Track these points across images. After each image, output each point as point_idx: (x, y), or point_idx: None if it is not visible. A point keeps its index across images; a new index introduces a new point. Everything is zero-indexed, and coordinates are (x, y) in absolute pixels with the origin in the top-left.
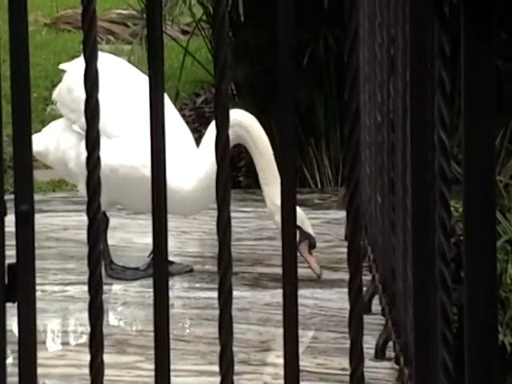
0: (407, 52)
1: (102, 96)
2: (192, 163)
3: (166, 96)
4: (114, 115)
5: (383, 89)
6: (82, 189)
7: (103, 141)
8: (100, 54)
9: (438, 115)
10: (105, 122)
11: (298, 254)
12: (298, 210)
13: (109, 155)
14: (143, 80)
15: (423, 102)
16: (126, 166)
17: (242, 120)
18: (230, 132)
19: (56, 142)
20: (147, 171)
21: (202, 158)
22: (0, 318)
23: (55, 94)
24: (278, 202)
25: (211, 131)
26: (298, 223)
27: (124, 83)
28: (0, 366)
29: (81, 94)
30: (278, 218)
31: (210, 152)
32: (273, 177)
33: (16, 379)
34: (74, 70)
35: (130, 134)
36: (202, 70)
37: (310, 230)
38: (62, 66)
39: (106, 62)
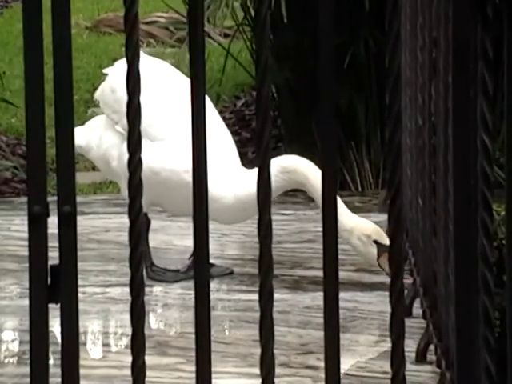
0: (449, 54)
1: (146, 99)
2: (236, 177)
3: (208, 99)
4: (157, 118)
5: (425, 91)
6: (123, 188)
7: (146, 143)
8: (144, 57)
9: (481, 118)
10: (148, 124)
11: (379, 267)
12: (374, 225)
13: (151, 158)
14: (187, 83)
15: (465, 104)
16: (167, 170)
17: (297, 166)
18: (285, 178)
19: (98, 140)
20: (188, 176)
21: (249, 180)
22: (43, 319)
23: (98, 93)
24: (348, 226)
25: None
26: (375, 237)
27: (168, 86)
28: (43, 366)
29: (123, 95)
30: (353, 241)
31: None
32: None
33: (59, 380)
34: (117, 70)
35: (172, 138)
36: (243, 72)
37: (387, 242)
38: (105, 71)
39: (150, 64)
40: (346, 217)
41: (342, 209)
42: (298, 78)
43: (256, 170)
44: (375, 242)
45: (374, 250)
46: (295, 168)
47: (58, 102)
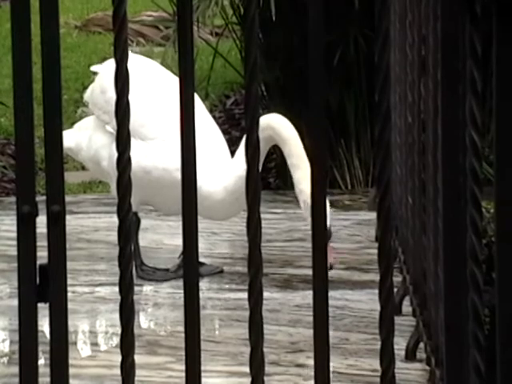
0: (438, 52)
1: (136, 98)
2: (224, 171)
3: (198, 98)
4: (147, 118)
5: (414, 89)
6: (113, 188)
7: (137, 143)
8: (134, 56)
9: (470, 115)
10: (139, 124)
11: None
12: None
13: (142, 157)
14: (176, 82)
15: (455, 102)
16: (159, 169)
17: (271, 121)
18: (262, 135)
19: (88, 140)
20: (179, 175)
21: (235, 170)
22: (32, 319)
23: (87, 95)
24: (302, 185)
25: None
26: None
27: (158, 85)
28: (32, 366)
29: (114, 95)
30: (300, 201)
31: (242, 164)
32: (300, 161)
33: (48, 380)
34: (106, 71)
35: (163, 137)
36: (232, 71)
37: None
38: (93, 68)
39: (140, 64)
40: (306, 177)
41: (307, 168)
42: (287, 77)
43: (240, 157)
44: None
45: None
46: (268, 123)
47: (46, 101)
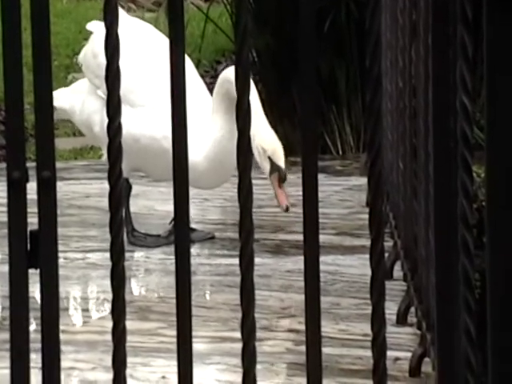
0: (429, 17)
1: (126, 64)
2: (203, 138)
3: (190, 62)
4: (137, 84)
5: (405, 54)
6: (106, 153)
7: (127, 109)
8: (128, 18)
9: (461, 80)
10: (128, 90)
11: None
12: (271, 139)
13: (131, 124)
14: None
15: (445, 67)
16: (146, 137)
17: (229, 74)
18: (221, 90)
19: (81, 104)
20: (167, 143)
21: (212, 135)
22: (22, 285)
23: (80, 56)
24: (253, 131)
25: (218, 99)
26: (270, 154)
27: (149, 50)
28: (23, 332)
29: (105, 60)
30: (253, 148)
31: (218, 126)
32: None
33: (39, 345)
34: (99, 35)
35: (152, 104)
36: (224, 37)
37: (280, 163)
38: (88, 26)
39: (133, 27)
40: (259, 123)
41: (260, 114)
42: (278, 43)
43: (215, 119)
44: (270, 158)
45: (267, 165)
46: (226, 77)
47: (36, 67)
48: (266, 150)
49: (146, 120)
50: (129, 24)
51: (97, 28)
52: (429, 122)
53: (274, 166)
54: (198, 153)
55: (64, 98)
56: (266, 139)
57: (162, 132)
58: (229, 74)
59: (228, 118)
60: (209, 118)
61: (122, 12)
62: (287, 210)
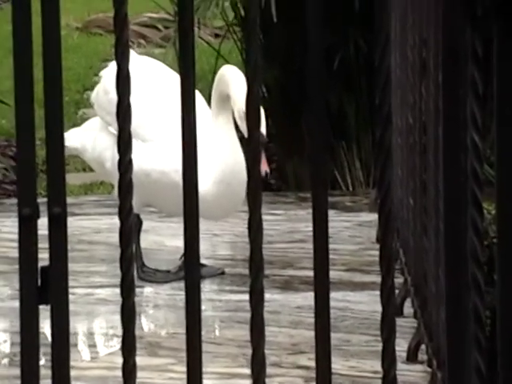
0: (439, 54)
1: (138, 99)
2: (212, 169)
3: (199, 95)
4: (147, 119)
5: (415, 91)
6: (116, 190)
7: (138, 144)
8: (137, 57)
9: (471, 117)
10: (139, 125)
11: None
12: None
13: (142, 159)
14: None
15: (456, 103)
16: (157, 171)
17: (224, 73)
18: (216, 87)
19: (93, 142)
20: (177, 176)
21: (219, 165)
22: (33, 321)
23: (93, 95)
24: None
25: (215, 97)
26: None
27: (159, 86)
28: (34, 368)
29: (116, 96)
30: (235, 109)
31: (224, 156)
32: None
33: (49, 382)
34: (110, 72)
35: (162, 138)
36: None
37: (261, 128)
38: (100, 74)
39: (142, 64)
40: (240, 88)
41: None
42: (287, 77)
43: (221, 150)
44: None
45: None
46: (223, 74)
47: (47, 103)
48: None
49: (157, 154)
50: (138, 61)
51: (106, 70)
52: (439, 158)
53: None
54: (206, 181)
55: (75, 137)
56: (241, 103)
57: (172, 166)
58: (224, 70)
59: (229, 129)
60: (211, 138)
61: (130, 51)
62: (266, 175)
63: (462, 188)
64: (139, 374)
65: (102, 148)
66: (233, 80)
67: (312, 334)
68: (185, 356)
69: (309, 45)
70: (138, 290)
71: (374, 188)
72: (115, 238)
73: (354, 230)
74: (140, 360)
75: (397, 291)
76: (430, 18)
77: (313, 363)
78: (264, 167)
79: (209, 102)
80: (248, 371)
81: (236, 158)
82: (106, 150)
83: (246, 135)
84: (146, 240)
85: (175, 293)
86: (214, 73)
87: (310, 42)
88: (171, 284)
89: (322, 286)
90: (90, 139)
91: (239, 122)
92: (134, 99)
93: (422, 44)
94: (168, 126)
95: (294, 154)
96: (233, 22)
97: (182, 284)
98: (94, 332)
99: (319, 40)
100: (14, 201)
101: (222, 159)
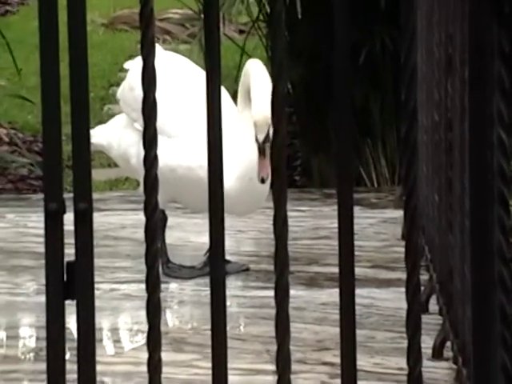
0: (465, 50)
1: (163, 95)
2: (235, 164)
3: (225, 91)
4: (174, 114)
5: (441, 87)
6: (142, 186)
7: (164, 140)
8: (163, 52)
9: (497, 114)
10: (165, 121)
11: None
12: (264, 111)
13: (168, 155)
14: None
15: (482, 100)
16: (183, 167)
17: (248, 67)
18: (242, 80)
19: (119, 138)
20: (203, 172)
21: (241, 161)
22: (59, 316)
23: (118, 92)
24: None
25: (245, 123)
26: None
27: (186, 82)
28: (60, 363)
29: (142, 93)
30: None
31: (246, 151)
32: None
33: (75, 376)
34: (135, 69)
35: (189, 134)
36: None
37: (264, 134)
38: (126, 65)
39: (169, 59)
40: (259, 98)
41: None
42: (313, 75)
43: (243, 145)
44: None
45: (262, 135)
46: (247, 68)
47: (73, 99)
48: (260, 123)
49: (182, 150)
50: (164, 57)
51: (132, 66)
52: (465, 155)
53: (267, 137)
54: (229, 177)
55: (101, 135)
56: (259, 112)
57: (198, 161)
58: (249, 63)
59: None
60: (235, 134)
61: (156, 46)
62: (262, 181)
63: (488, 185)
64: (164, 369)
65: (128, 145)
66: (254, 73)
67: (337, 330)
68: (210, 352)
69: (335, 43)
70: (163, 285)
71: (399, 185)
72: (140, 233)
73: (379, 226)
74: (165, 356)
75: (422, 288)
76: (457, 14)
77: (338, 360)
78: (264, 172)
79: (234, 98)
80: (273, 367)
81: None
82: (132, 146)
83: (259, 140)
84: (171, 236)
85: (200, 289)
86: (239, 70)
87: (336, 40)
88: (196, 280)
89: (347, 283)
90: (115, 136)
91: (253, 128)
92: (160, 95)
93: (448, 40)
94: (193, 122)
95: (319, 150)
96: (258, 18)
97: (206, 280)
98: (119, 327)
99: (346, 38)
100: (40, 196)
101: (246, 155)
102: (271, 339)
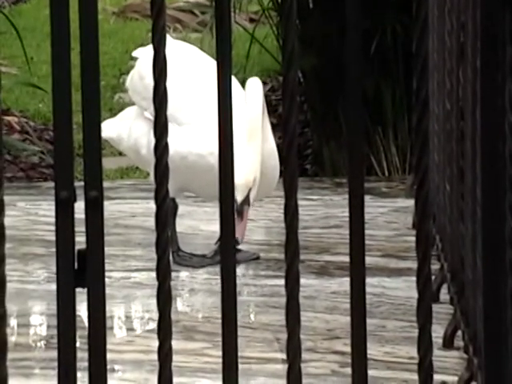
0: (477, 39)
1: (173, 83)
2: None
3: (235, 80)
4: (184, 102)
5: (452, 76)
6: (152, 175)
7: (174, 128)
8: (173, 41)
9: (510, 102)
10: (175, 109)
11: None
12: (246, 174)
13: (179, 143)
14: (214, 65)
15: (494, 89)
16: (193, 154)
17: (248, 85)
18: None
19: (129, 130)
20: (213, 159)
21: (250, 155)
22: (70, 304)
23: (128, 80)
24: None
25: (255, 116)
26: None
27: (196, 70)
28: (70, 351)
29: (152, 82)
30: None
31: (255, 146)
32: (253, 139)
33: (86, 364)
34: (145, 57)
35: (200, 121)
36: (269, 58)
37: (245, 196)
38: (134, 53)
39: (178, 48)
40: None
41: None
42: (324, 64)
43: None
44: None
45: (241, 197)
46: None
47: (84, 87)
48: (241, 187)
49: (193, 137)
50: (174, 46)
51: (141, 53)
52: (477, 144)
53: (246, 200)
54: (239, 173)
55: (111, 128)
56: (242, 177)
57: (209, 148)
58: (248, 84)
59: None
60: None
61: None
62: (238, 243)
63: (500, 174)
64: (175, 357)
65: (138, 135)
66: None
67: (347, 319)
68: (220, 340)
69: (347, 32)
70: (173, 274)
71: (410, 174)
72: (151, 222)
73: (389, 215)
74: (175, 344)
75: (433, 277)
76: (469, 2)
77: (348, 349)
78: (239, 234)
79: (243, 86)
80: (283, 356)
81: (268, 142)
82: (142, 136)
83: (237, 200)
84: (182, 224)
85: (211, 277)
86: (247, 57)
87: (348, 29)
88: (207, 268)
89: (357, 272)
90: (125, 128)
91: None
92: (170, 83)
93: (460, 28)
94: (204, 110)
95: (330, 139)
96: (269, 7)
97: (217, 269)
98: (130, 315)
99: (357, 27)
100: (51, 184)
101: (253, 156)
102: (282, 328)
